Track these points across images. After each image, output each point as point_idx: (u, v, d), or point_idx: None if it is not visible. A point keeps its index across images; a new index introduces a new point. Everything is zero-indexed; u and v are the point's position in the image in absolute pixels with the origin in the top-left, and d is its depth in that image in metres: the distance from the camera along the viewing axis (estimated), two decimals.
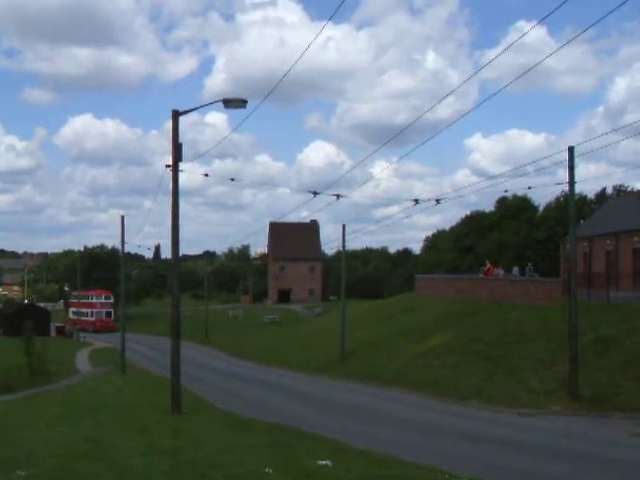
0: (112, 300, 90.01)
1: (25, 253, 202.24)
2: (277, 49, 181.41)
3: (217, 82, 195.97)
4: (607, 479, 14.57)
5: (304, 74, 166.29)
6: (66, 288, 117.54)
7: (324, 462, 12.84)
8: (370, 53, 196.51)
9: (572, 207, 27.83)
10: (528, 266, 53.39)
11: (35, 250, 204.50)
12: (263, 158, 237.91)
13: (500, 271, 53.75)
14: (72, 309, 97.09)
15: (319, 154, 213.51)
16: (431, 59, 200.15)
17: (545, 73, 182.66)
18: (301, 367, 45.15)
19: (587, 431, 21.36)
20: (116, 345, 56.31)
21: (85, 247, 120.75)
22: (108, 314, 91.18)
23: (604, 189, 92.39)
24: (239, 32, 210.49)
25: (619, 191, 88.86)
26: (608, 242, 51.09)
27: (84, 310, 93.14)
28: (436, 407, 27.63)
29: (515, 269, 52.76)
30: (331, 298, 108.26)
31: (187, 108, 23.12)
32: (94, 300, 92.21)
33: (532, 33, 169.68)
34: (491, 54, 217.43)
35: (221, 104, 21.96)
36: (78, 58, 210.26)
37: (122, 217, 46.68)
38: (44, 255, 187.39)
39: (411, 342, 40.71)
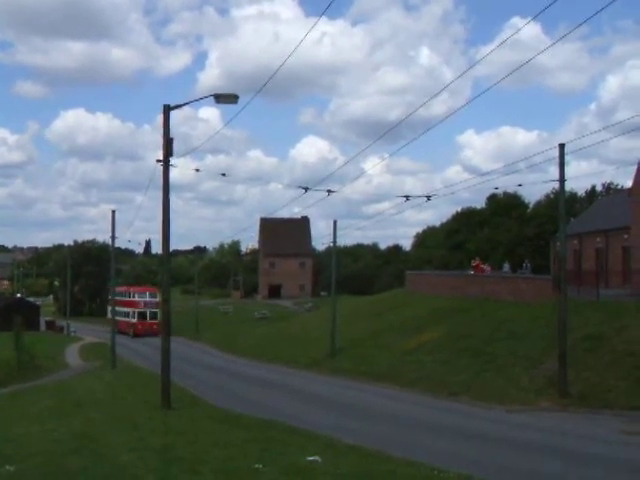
0: (158, 299, 70.58)
1: (15, 247, 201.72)
2: (272, 44, 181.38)
3: (211, 77, 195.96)
4: (595, 476, 14.62)
5: (298, 69, 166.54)
6: (56, 283, 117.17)
7: (314, 458, 12.86)
8: (364, 49, 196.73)
9: (562, 204, 27.90)
10: (525, 262, 53.46)
11: (25, 244, 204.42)
12: (256, 153, 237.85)
13: (487, 268, 53.83)
14: (110, 308, 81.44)
15: (312, 150, 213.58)
16: (425, 55, 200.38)
17: (539, 70, 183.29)
18: (291, 363, 45.14)
19: (576, 428, 21.43)
20: (106, 340, 56.20)
21: (75, 242, 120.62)
22: (153, 315, 73.71)
23: (594, 187, 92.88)
24: (234, 27, 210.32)
25: (608, 189, 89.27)
26: (598, 239, 51.27)
27: (124, 310, 76.17)
28: (426, 403, 27.68)
29: (506, 266, 52.82)
30: (322, 294, 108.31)
31: (180, 103, 23.15)
32: (136, 298, 77.58)
33: (527, 31, 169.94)
34: (486, 51, 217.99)
35: (213, 99, 21.94)
36: (71, 52, 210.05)
37: (113, 212, 46.47)
38: (34, 249, 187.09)
39: (401, 338, 40.76)
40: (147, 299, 76.73)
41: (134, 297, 77.52)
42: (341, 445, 15.70)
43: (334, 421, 21.88)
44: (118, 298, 70.99)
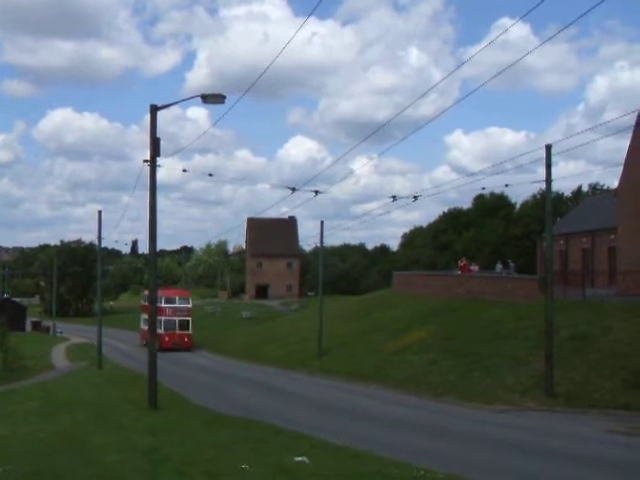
0: (190, 304, 62.20)
1: (0, 247, 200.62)
2: (261, 44, 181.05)
3: (199, 77, 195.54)
4: (581, 475, 14.68)
5: (287, 69, 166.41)
6: (42, 283, 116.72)
7: (301, 458, 12.87)
8: (354, 49, 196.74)
9: (549, 205, 27.99)
10: (508, 263, 53.52)
11: (11, 244, 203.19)
12: (244, 153, 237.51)
13: (474, 268, 53.93)
14: (143, 316, 62.97)
15: (300, 150, 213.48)
16: (415, 56, 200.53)
17: (527, 71, 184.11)
18: (278, 363, 45.12)
19: (562, 428, 21.53)
20: (92, 340, 56.00)
21: (61, 242, 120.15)
22: (183, 325, 60.49)
23: (580, 187, 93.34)
24: (223, 27, 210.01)
25: (594, 189, 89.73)
26: (584, 240, 51.54)
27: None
28: (413, 403, 27.72)
29: (498, 266, 52.70)
30: (309, 294, 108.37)
31: (168, 103, 23.13)
32: (163, 304, 58.32)
33: (516, 32, 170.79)
34: (474, 51, 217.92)
35: (200, 99, 21.92)
36: (59, 51, 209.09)
37: (99, 212, 46.33)
38: (20, 249, 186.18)
39: (388, 338, 40.80)
40: (176, 305, 61.19)
41: (161, 302, 57.52)
42: (328, 446, 15.72)
43: (321, 422, 21.89)
44: (145, 304, 61.93)
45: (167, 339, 58.32)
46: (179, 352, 56.12)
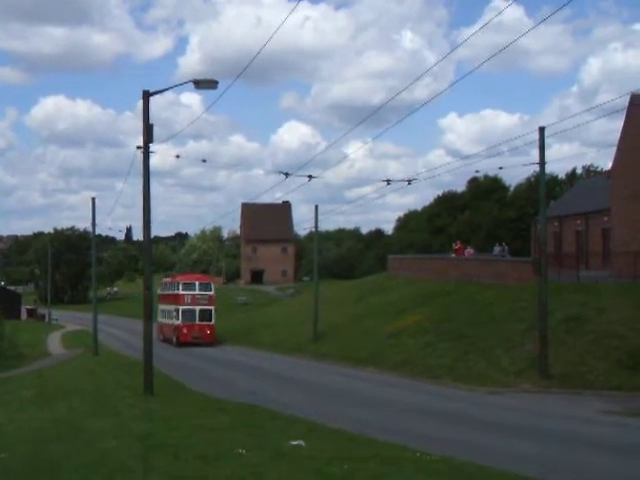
0: (213, 291, 54.33)
1: None
2: (254, 29, 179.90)
3: (192, 62, 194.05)
4: (576, 455, 14.77)
5: (281, 54, 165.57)
6: (36, 271, 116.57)
7: (297, 442, 12.91)
8: (347, 33, 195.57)
9: (543, 187, 28.04)
10: (502, 245, 53.48)
11: (5, 232, 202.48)
12: (237, 139, 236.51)
13: (469, 251, 53.95)
14: (160, 307, 56.31)
15: (294, 135, 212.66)
16: (409, 39, 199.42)
17: (522, 53, 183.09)
18: (274, 348, 45.23)
19: (557, 409, 21.66)
20: (88, 327, 55.96)
21: (55, 229, 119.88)
22: (205, 315, 52.24)
23: (574, 169, 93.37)
24: (215, 11, 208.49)
25: (588, 171, 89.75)
26: (578, 222, 51.59)
27: (167, 308, 55.73)
28: (408, 386, 27.84)
29: (497, 249, 52.55)
30: (304, 279, 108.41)
31: (161, 88, 23.06)
32: (180, 290, 53.27)
33: (511, 13, 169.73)
34: (469, 34, 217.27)
35: (193, 85, 21.85)
36: (51, 37, 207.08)
37: (93, 199, 46.23)
38: (14, 237, 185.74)
39: (384, 322, 40.89)
40: (196, 292, 53.17)
41: (178, 289, 53.87)
42: (324, 429, 15.79)
43: (317, 405, 21.97)
44: (162, 292, 57.47)
45: (185, 331, 51.26)
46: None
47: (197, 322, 51.58)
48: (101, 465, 10.67)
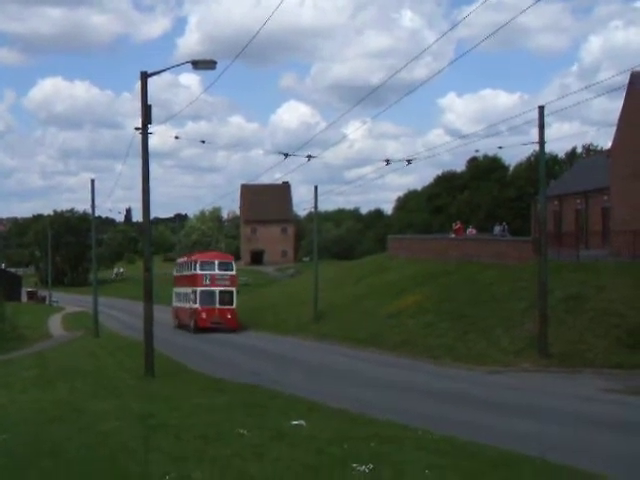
0: (234, 271, 49.12)
1: None
2: (253, 8, 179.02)
3: (191, 42, 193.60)
4: (576, 433, 14.82)
5: (280, 34, 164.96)
6: (36, 253, 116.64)
7: (298, 422, 12.94)
8: (347, 12, 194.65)
9: (542, 167, 28.00)
10: (503, 224, 53.46)
11: (4, 215, 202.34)
12: (237, 119, 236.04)
13: (471, 230, 53.98)
14: (175, 289, 53.42)
15: (294, 115, 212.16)
16: (409, 18, 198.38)
17: (522, 32, 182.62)
18: (275, 329, 45.32)
19: (557, 387, 21.73)
20: (88, 309, 56.05)
21: (55, 211, 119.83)
22: (225, 298, 46.82)
23: (574, 148, 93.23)
24: None
25: (588, 150, 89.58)
26: (578, 201, 51.53)
27: (183, 290, 50.66)
28: (409, 366, 27.92)
29: (497, 228, 52.56)
30: (304, 259, 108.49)
31: (159, 69, 22.97)
32: (198, 270, 47.93)
33: None
34: (468, 12, 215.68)
35: (191, 66, 21.78)
36: (49, 18, 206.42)
37: (92, 180, 46.15)
38: (13, 220, 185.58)
39: (384, 302, 40.93)
40: (216, 271, 47.67)
41: (196, 269, 48.40)
42: (325, 409, 15.82)
43: (317, 385, 22.04)
44: (178, 274, 53.26)
45: (204, 316, 46.13)
46: (168, 318, 51.83)
47: (217, 305, 46.53)
48: (102, 446, 10.70)
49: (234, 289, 47.30)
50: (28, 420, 13.26)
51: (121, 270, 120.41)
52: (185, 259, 54.58)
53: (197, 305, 46.37)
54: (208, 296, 46.16)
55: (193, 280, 47.71)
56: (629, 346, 25.28)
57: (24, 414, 14.11)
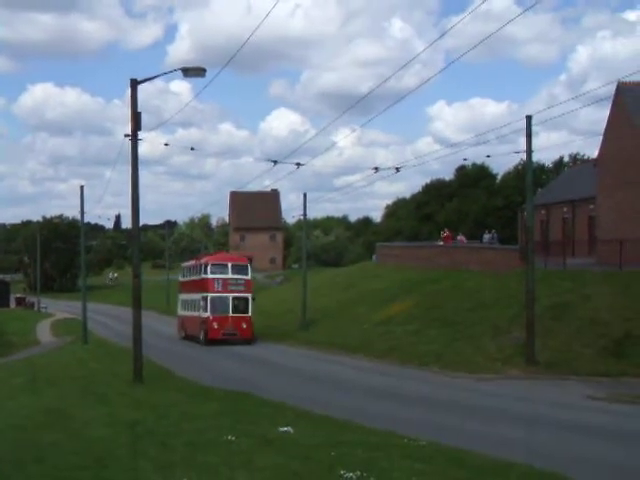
0: (250, 275, 44.03)
1: None
2: (244, 17, 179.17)
3: (181, 50, 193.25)
4: (562, 441, 14.93)
5: (270, 42, 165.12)
6: (25, 259, 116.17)
7: (286, 428, 13.02)
8: (337, 21, 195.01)
9: (530, 176, 28.20)
10: (492, 232, 53.71)
11: None
12: (226, 127, 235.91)
13: (461, 238, 54.24)
14: (181, 296, 48.55)
15: (283, 122, 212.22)
16: (398, 27, 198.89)
17: (511, 42, 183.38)
18: (263, 336, 45.25)
19: (543, 395, 21.84)
20: (77, 315, 55.88)
21: (44, 217, 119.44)
22: (240, 305, 41.45)
23: (562, 157, 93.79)
24: None
25: (575, 159, 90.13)
26: (565, 210, 51.87)
27: (191, 297, 45.16)
28: (397, 373, 27.98)
29: (486, 236, 52.83)
30: (293, 267, 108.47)
31: (150, 76, 23.04)
32: (209, 274, 42.24)
33: (500, 2, 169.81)
34: (457, 22, 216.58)
35: (181, 73, 21.88)
36: (39, 24, 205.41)
37: (81, 187, 45.99)
38: (2, 226, 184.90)
39: (372, 310, 41.04)
40: (229, 275, 42.17)
41: (206, 272, 42.56)
42: (312, 416, 15.90)
43: (305, 392, 22.09)
44: (184, 279, 48.29)
45: (216, 326, 40.77)
46: (161, 326, 53.26)
47: (230, 314, 41.09)
48: (90, 453, 10.75)
49: (249, 295, 41.88)
50: (15, 426, 13.27)
51: (115, 275, 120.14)
52: (193, 262, 48.27)
53: (208, 314, 41.00)
54: (221, 303, 41.15)
55: (203, 285, 42.27)
56: (615, 354, 25.43)
57: (11, 420, 14.12)
